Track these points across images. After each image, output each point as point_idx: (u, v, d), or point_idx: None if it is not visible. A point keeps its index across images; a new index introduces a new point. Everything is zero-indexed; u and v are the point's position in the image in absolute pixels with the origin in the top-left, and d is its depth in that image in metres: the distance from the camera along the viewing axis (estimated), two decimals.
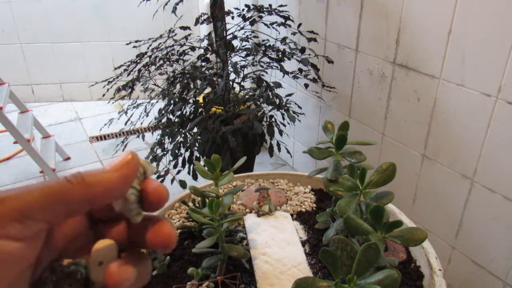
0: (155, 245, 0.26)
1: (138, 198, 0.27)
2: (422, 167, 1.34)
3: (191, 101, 1.60)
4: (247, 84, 2.08)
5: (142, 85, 1.60)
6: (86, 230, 0.27)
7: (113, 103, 2.00)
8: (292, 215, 0.86)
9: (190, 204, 0.85)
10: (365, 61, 1.46)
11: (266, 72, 1.78)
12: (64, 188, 0.22)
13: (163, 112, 1.57)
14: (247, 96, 1.65)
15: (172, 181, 1.56)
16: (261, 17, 1.60)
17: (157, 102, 1.65)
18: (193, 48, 1.56)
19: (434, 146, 1.28)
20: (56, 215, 0.23)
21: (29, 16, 2.73)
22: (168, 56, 1.58)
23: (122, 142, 1.73)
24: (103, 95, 1.74)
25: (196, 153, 1.60)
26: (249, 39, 1.66)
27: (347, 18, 1.48)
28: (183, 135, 1.53)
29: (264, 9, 1.55)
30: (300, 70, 1.60)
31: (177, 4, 1.48)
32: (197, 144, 1.53)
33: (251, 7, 1.57)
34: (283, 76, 1.64)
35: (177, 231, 0.82)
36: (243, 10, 1.56)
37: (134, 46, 1.62)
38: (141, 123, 1.65)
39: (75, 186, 0.23)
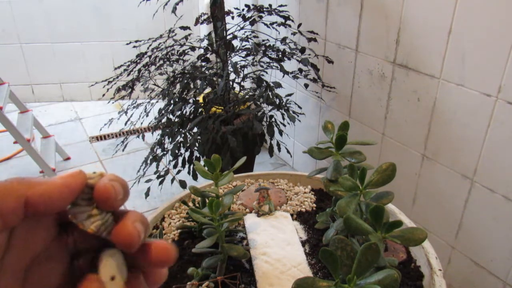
0: (118, 243, 0.24)
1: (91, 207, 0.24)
2: (422, 167, 1.34)
3: (191, 101, 1.60)
4: (247, 84, 2.08)
5: (142, 85, 1.60)
6: (62, 261, 0.26)
7: (113, 103, 2.00)
8: (292, 215, 0.86)
9: (190, 204, 0.85)
10: (365, 61, 1.46)
11: (266, 72, 1.78)
12: (1, 185, 0.22)
13: (163, 112, 1.57)
14: (247, 96, 1.65)
15: (172, 181, 1.56)
16: (261, 17, 1.60)
17: (157, 102, 1.65)
18: (193, 48, 1.56)
19: (434, 146, 1.28)
20: None
21: (29, 16, 2.73)
22: (168, 56, 1.58)
23: (122, 142, 1.73)
24: (103, 95, 1.74)
25: (196, 153, 1.60)
26: (249, 39, 1.66)
27: (347, 18, 1.48)
28: (183, 135, 1.53)
29: (264, 9, 1.55)
30: (300, 70, 1.60)
31: (177, 4, 1.48)
32: (197, 144, 1.54)
33: (251, 7, 1.57)
34: (283, 76, 1.64)
35: (177, 231, 0.82)
36: (243, 10, 1.56)
37: (134, 46, 1.62)
38: (141, 123, 1.65)
39: (13, 183, 0.22)
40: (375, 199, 0.62)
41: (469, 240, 1.25)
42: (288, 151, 1.78)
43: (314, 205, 0.90)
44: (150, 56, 1.59)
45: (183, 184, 1.52)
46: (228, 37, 1.58)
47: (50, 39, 2.82)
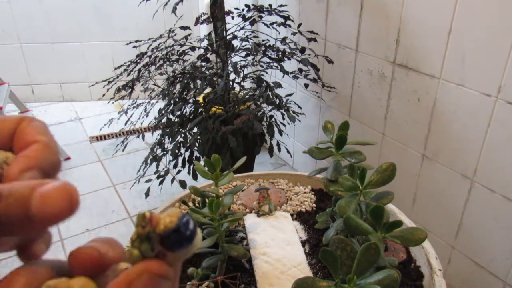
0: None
1: None
2: (422, 167, 1.34)
3: (191, 101, 1.60)
4: (247, 84, 2.08)
5: (142, 85, 1.60)
6: None
7: (113, 103, 2.00)
8: (292, 215, 0.86)
9: (190, 204, 0.85)
10: (365, 61, 1.46)
11: (266, 72, 1.78)
12: None
13: (163, 112, 1.57)
14: (247, 96, 1.65)
15: (172, 181, 1.56)
16: (261, 17, 1.60)
17: (157, 102, 1.65)
18: (193, 48, 1.56)
19: (434, 146, 1.28)
20: None
21: (29, 16, 2.73)
22: (168, 56, 1.58)
23: (122, 142, 1.73)
24: (103, 95, 1.74)
25: (196, 153, 1.60)
26: (249, 39, 1.66)
27: (347, 18, 1.48)
28: (183, 135, 1.53)
29: (264, 9, 1.55)
30: (300, 70, 1.60)
31: (177, 4, 1.48)
32: (197, 144, 1.54)
33: (251, 7, 1.57)
34: (283, 76, 1.64)
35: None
36: (243, 10, 1.56)
37: (134, 46, 1.62)
38: (141, 123, 1.65)
39: None
40: (375, 199, 0.62)
41: (469, 240, 1.25)
42: (288, 151, 1.78)
43: (314, 205, 0.90)
44: (150, 56, 1.59)
45: (183, 184, 1.52)
46: (228, 37, 1.58)
47: (50, 39, 2.82)
